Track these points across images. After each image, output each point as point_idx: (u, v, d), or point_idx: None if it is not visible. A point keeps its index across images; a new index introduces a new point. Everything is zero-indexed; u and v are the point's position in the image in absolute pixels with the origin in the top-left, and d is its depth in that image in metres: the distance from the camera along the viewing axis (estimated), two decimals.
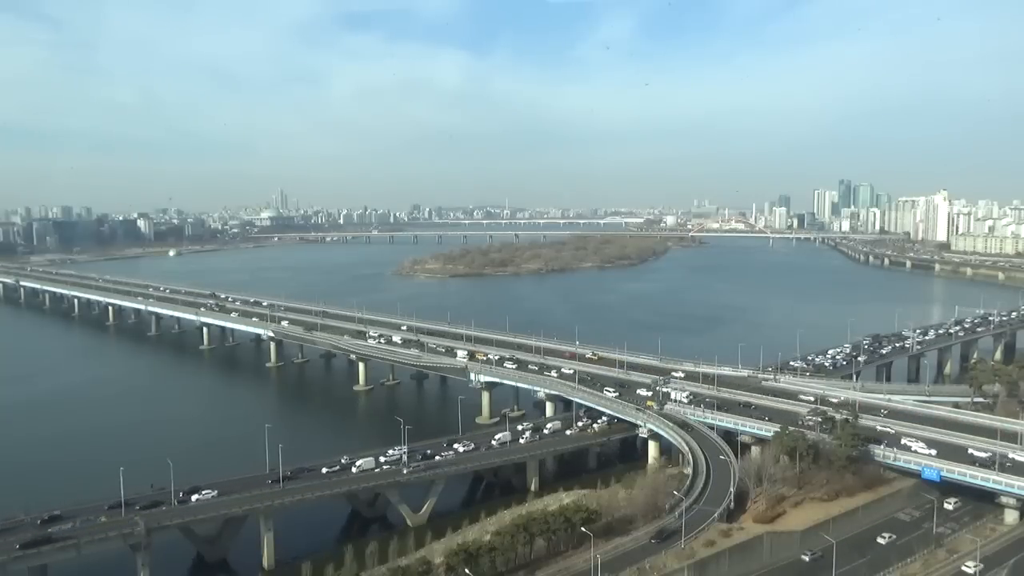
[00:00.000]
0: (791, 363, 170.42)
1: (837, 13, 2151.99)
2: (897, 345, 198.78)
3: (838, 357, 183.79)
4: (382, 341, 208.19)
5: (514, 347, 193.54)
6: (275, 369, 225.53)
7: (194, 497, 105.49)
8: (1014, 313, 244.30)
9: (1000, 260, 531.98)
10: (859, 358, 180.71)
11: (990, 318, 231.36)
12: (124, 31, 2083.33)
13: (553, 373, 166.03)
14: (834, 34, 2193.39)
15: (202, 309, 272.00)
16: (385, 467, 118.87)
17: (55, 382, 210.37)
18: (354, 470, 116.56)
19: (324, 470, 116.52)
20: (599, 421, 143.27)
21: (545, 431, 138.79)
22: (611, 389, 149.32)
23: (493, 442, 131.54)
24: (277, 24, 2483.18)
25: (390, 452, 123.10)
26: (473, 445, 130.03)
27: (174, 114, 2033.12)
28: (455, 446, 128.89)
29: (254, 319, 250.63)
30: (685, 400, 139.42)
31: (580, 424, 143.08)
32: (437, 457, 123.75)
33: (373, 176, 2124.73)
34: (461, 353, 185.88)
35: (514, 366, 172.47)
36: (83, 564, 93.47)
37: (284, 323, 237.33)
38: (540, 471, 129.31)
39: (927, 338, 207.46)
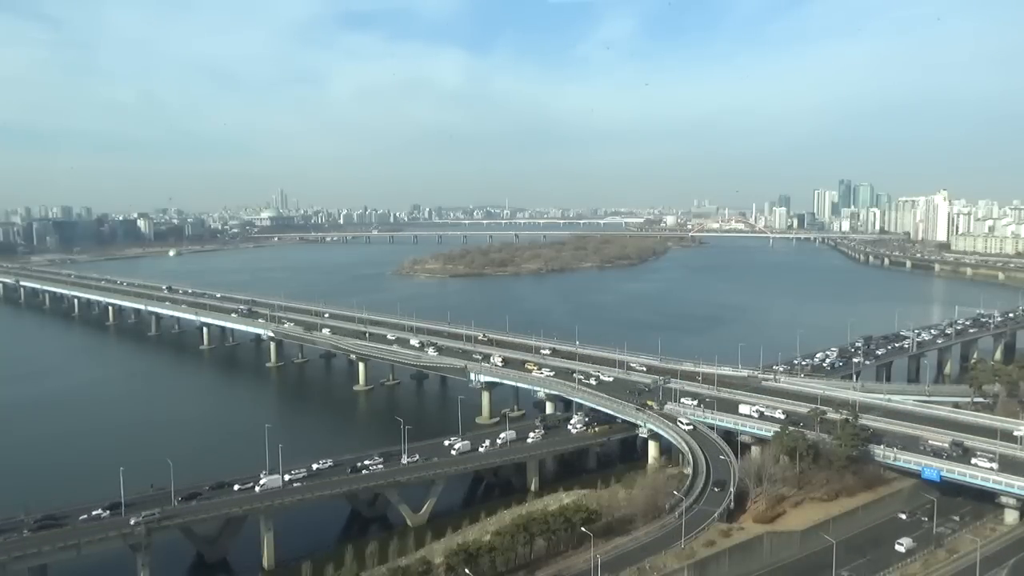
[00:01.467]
0: (774, 367, 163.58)
1: (837, 13, 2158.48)
2: (892, 347, 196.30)
3: (826, 361, 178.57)
4: (432, 351, 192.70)
5: (513, 347, 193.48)
6: (275, 369, 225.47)
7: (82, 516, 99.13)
8: (1012, 313, 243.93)
9: (1000, 260, 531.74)
10: (854, 359, 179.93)
11: (988, 318, 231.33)
12: (124, 31, 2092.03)
13: (592, 381, 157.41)
14: (834, 34, 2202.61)
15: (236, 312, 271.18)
16: (295, 484, 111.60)
17: (55, 382, 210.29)
18: (257, 489, 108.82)
19: (237, 487, 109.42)
20: (572, 423, 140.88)
21: (500, 440, 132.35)
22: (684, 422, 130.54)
23: (453, 451, 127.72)
24: (277, 24, 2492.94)
25: (314, 466, 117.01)
26: (418, 456, 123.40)
27: (174, 114, 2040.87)
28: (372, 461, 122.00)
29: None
30: (755, 415, 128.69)
31: (534, 434, 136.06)
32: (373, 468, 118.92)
33: (373, 176, 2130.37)
34: (497, 359, 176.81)
35: (551, 373, 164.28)
36: (83, 564, 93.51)
37: (325, 330, 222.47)
38: (540, 471, 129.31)
39: (926, 338, 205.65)
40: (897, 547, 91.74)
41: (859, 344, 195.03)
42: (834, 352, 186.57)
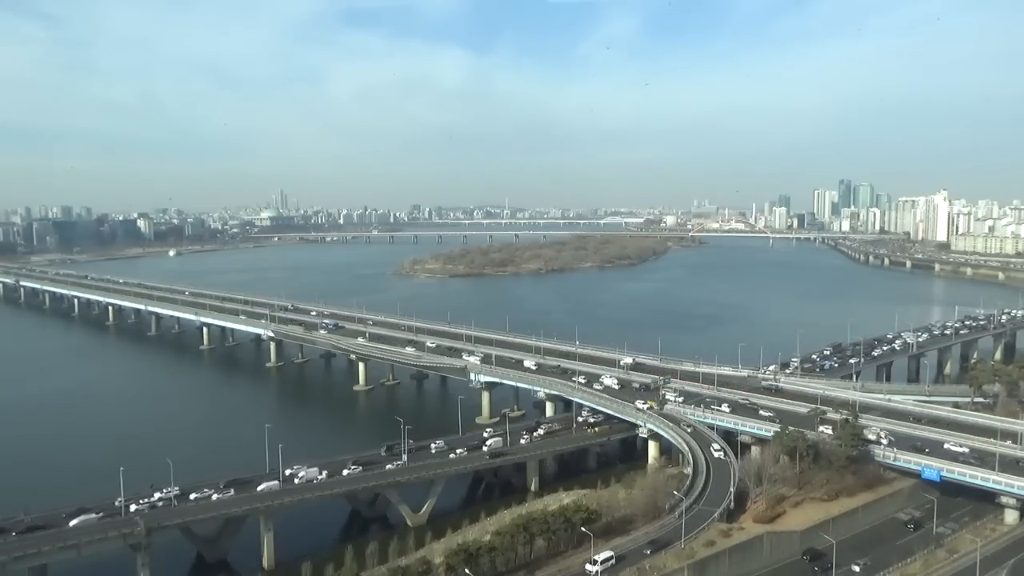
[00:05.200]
0: (697, 387, 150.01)
1: (837, 13, 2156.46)
2: (867, 356, 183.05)
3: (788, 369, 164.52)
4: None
5: (514, 347, 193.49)
6: (275, 369, 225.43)
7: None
8: (1010, 313, 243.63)
9: (1000, 260, 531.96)
10: (851, 360, 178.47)
11: (983, 320, 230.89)
12: (122, 29, 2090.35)
13: (726, 407, 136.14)
14: (835, 34, 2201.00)
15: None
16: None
17: (55, 382, 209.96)
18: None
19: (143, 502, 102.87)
20: (536, 434, 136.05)
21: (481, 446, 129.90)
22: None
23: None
24: (277, 23, 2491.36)
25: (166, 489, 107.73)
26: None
27: (174, 114, 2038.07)
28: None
29: (248, 317, 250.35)
30: (883, 440, 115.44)
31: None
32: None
33: (373, 176, 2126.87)
34: (611, 382, 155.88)
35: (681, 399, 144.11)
36: (83, 564, 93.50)
37: (361, 339, 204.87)
38: (540, 471, 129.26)
39: (923, 339, 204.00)
40: None
41: (827, 351, 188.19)
42: (796, 361, 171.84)
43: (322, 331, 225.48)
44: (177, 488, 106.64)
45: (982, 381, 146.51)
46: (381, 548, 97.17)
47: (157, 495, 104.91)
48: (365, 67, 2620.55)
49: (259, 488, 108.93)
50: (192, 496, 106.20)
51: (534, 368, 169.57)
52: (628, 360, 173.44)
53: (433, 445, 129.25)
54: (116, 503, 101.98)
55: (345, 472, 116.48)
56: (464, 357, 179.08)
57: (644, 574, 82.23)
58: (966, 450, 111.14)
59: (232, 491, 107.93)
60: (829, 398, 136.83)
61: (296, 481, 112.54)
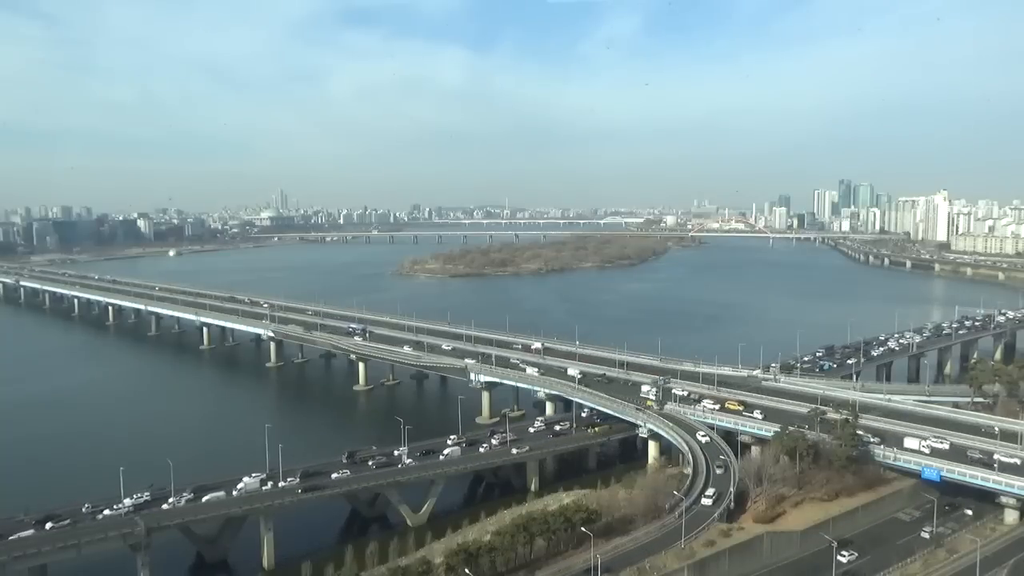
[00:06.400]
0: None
1: (837, 13, 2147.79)
2: (859, 359, 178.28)
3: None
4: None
5: (514, 347, 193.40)
6: (275, 369, 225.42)
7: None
8: (1013, 313, 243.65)
9: (1000, 260, 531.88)
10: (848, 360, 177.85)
11: (982, 320, 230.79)
12: (121, 29, 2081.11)
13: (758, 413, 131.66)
14: (834, 34, 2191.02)
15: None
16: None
17: (55, 382, 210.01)
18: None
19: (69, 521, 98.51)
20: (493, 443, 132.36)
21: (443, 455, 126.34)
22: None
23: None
24: (277, 22, 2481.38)
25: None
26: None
27: (173, 113, 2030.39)
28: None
29: (256, 320, 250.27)
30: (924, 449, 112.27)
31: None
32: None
33: (373, 176, 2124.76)
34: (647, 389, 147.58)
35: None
36: (83, 564, 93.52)
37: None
38: (540, 471, 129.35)
39: (922, 339, 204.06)
40: None
41: (819, 353, 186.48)
42: (775, 367, 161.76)
43: (356, 338, 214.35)
44: (148, 494, 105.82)
45: (982, 381, 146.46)
46: (381, 548, 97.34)
47: (128, 501, 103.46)
48: (365, 67, 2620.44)
49: (204, 499, 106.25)
50: (171, 500, 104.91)
51: (579, 376, 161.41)
52: (537, 345, 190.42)
53: (396, 452, 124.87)
54: (83, 509, 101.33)
55: (281, 485, 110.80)
56: (525, 369, 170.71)
57: (644, 574, 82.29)
58: (1018, 461, 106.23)
59: (192, 495, 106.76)
60: (829, 398, 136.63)
61: (235, 493, 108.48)
